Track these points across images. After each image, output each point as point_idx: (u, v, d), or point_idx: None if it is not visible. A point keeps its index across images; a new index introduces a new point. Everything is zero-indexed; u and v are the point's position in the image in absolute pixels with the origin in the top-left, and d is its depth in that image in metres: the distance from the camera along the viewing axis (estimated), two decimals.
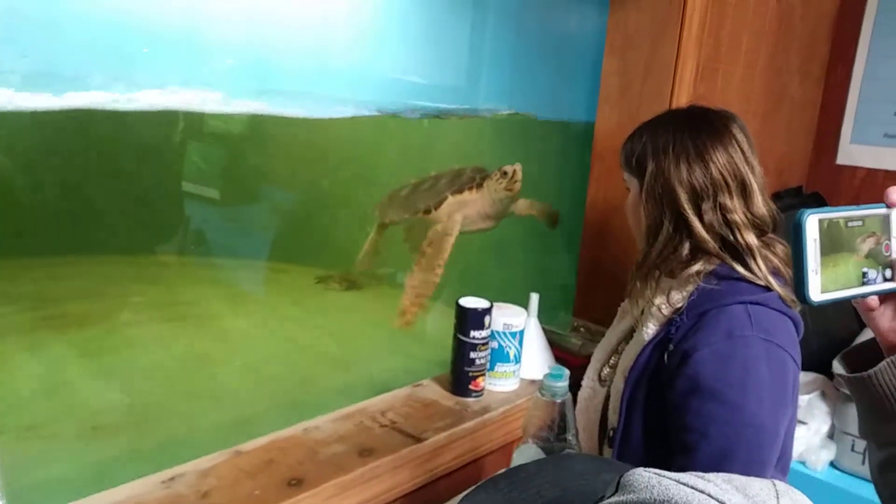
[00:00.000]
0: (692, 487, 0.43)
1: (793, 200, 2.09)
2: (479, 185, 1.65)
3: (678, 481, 0.44)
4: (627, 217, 1.22)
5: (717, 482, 0.44)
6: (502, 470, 0.71)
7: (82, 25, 1.48)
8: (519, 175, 1.59)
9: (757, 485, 0.45)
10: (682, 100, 1.60)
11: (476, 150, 1.92)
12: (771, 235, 1.10)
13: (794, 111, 2.12)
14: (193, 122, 2.32)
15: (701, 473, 0.46)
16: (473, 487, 0.68)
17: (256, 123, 2.25)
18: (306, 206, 2.41)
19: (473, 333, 1.39)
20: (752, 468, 0.97)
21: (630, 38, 1.66)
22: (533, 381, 1.50)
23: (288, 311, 2.06)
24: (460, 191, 1.66)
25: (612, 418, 1.15)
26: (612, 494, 0.46)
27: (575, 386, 1.19)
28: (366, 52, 1.94)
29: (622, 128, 1.70)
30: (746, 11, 1.75)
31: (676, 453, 1.00)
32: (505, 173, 1.61)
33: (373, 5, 1.92)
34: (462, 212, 1.65)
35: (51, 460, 1.28)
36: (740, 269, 1.05)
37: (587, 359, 1.35)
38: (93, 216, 2.24)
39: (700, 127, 1.09)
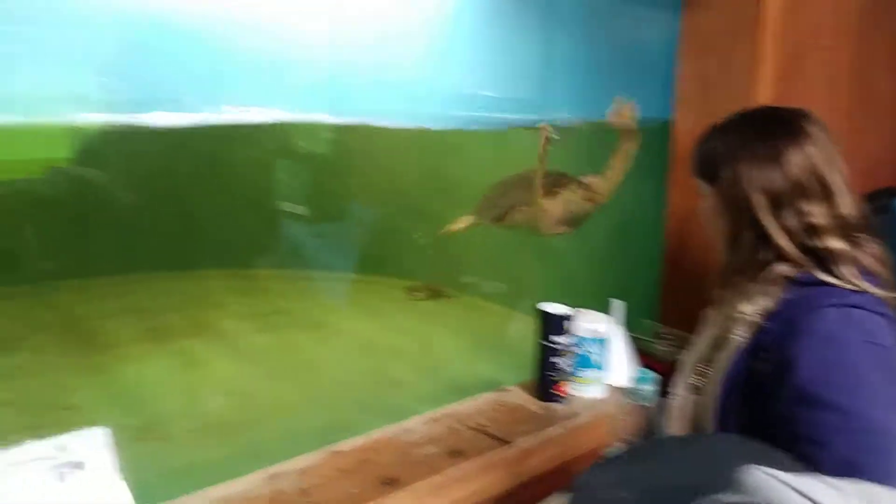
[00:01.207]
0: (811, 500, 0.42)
1: (885, 202, 2.00)
2: (558, 193, 1.68)
3: (799, 491, 0.43)
4: (704, 224, 1.19)
5: (844, 489, 0.43)
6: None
7: (189, 54, 1.60)
8: (598, 188, 1.60)
9: (887, 497, 0.44)
10: (761, 100, 1.58)
11: (553, 157, 1.95)
12: (862, 235, 1.06)
13: (884, 108, 2.04)
14: (283, 140, 2.45)
15: (828, 479, 0.44)
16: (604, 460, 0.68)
17: (343, 138, 2.35)
18: (392, 219, 2.49)
19: (555, 338, 1.41)
20: (881, 477, 0.92)
21: (705, 39, 1.65)
22: (619, 388, 1.51)
23: (378, 319, 2.14)
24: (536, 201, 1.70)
25: (706, 426, 1.13)
26: (728, 491, 0.46)
27: (663, 393, 1.19)
28: (440, 67, 2.00)
29: (701, 129, 1.69)
30: (826, 5, 1.70)
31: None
32: (582, 185, 1.63)
33: (445, 23, 1.98)
34: (544, 210, 1.69)
35: (163, 458, 1.38)
36: (823, 275, 1.01)
37: (674, 365, 1.34)
38: (194, 233, 2.40)
39: (772, 128, 1.06)
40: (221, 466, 1.37)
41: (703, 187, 1.15)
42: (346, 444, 1.24)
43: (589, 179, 1.64)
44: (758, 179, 1.03)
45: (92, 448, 1.04)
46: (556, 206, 1.70)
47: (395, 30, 1.96)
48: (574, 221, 1.72)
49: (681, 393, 1.27)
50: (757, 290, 1.05)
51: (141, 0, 1.55)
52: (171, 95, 1.64)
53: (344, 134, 2.22)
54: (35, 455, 0.99)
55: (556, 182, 1.73)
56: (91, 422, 1.05)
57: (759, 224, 1.04)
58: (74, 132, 2.18)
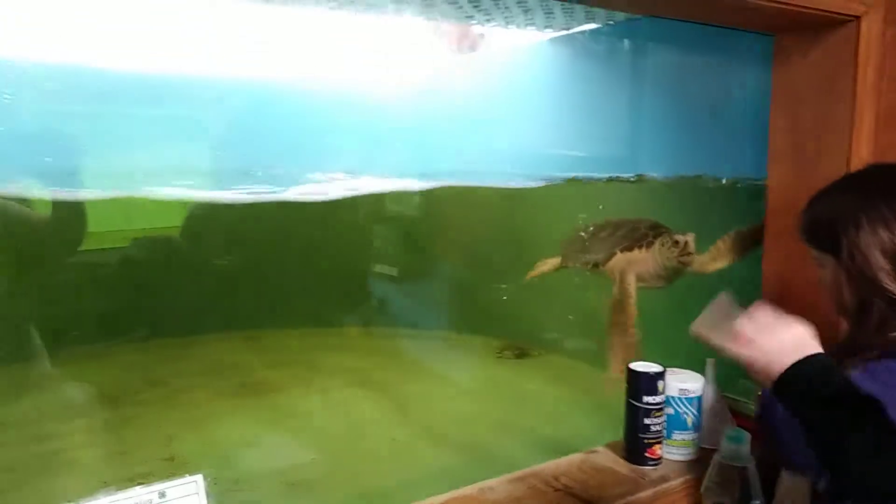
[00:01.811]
0: None
1: None
2: (650, 245, 1.62)
3: None
4: (824, 294, 1.12)
5: None
6: None
7: (285, 129, 1.71)
8: (692, 247, 1.54)
9: None
10: (862, 153, 1.52)
11: (645, 210, 1.93)
12: None
13: None
14: (372, 205, 2.54)
15: None
16: None
17: (429, 200, 2.42)
18: (477, 279, 2.52)
19: (646, 398, 1.37)
20: None
21: (798, 92, 1.61)
22: (714, 451, 1.43)
23: (463, 377, 2.15)
24: (630, 248, 1.64)
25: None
26: None
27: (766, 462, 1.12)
28: (528, 130, 2.04)
29: (798, 185, 1.63)
30: None
31: None
32: (676, 243, 1.56)
33: (532, 86, 2.03)
34: (632, 270, 1.63)
35: None
36: None
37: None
38: (286, 293, 2.51)
39: (889, 188, 1.00)
40: None
41: (821, 257, 1.08)
42: (429, 501, 1.23)
43: (685, 238, 1.57)
44: (883, 245, 0.96)
45: (188, 495, 1.08)
46: (649, 258, 1.64)
47: (482, 93, 2.03)
48: (666, 277, 1.66)
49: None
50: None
51: (243, 84, 1.68)
52: (268, 166, 1.76)
53: (429, 197, 2.29)
54: (139, 500, 1.04)
55: (652, 233, 1.68)
56: (188, 472, 1.09)
57: (890, 293, 0.96)
58: (180, 204, 2.36)
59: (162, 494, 1.07)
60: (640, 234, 1.64)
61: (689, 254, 1.55)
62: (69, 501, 0.95)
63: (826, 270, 1.08)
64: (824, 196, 1.08)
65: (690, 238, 1.54)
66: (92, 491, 0.97)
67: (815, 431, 0.89)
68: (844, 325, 1.11)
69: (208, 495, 1.06)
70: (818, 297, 1.27)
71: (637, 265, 1.62)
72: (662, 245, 1.58)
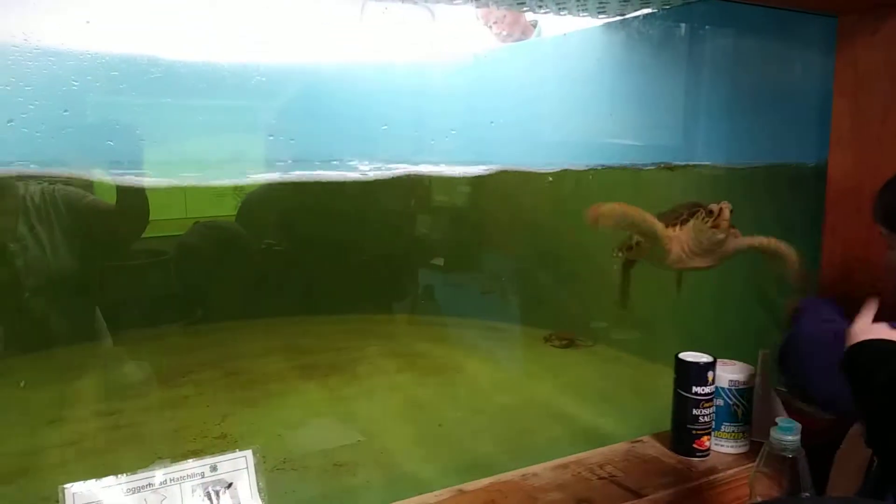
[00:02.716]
0: None
1: None
2: (684, 222, 1.55)
3: None
4: (891, 276, 1.13)
5: None
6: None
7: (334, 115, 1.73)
8: (726, 213, 1.44)
9: None
10: None
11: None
12: None
13: None
14: (421, 193, 2.56)
15: None
16: None
17: (476, 188, 2.42)
18: (524, 267, 2.51)
19: (696, 389, 1.34)
20: None
21: (862, 76, 1.55)
22: (762, 442, 1.40)
23: (508, 365, 2.15)
24: (665, 227, 1.56)
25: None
26: None
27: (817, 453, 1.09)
28: (579, 118, 2.02)
29: (860, 171, 1.57)
30: None
31: None
32: (711, 212, 1.47)
33: (585, 75, 2.01)
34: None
35: (299, 488, 1.45)
36: None
37: (827, 422, 1.23)
38: (337, 280, 2.55)
39: None
40: (351, 500, 1.42)
41: (891, 237, 1.10)
42: (472, 485, 1.24)
43: (719, 206, 1.47)
44: None
45: (238, 469, 1.12)
46: (684, 235, 1.54)
47: (531, 82, 2.01)
48: (709, 252, 1.55)
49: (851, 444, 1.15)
50: None
51: (296, 72, 1.71)
52: (325, 153, 1.78)
53: (477, 184, 2.30)
54: (192, 472, 1.08)
55: (687, 211, 1.57)
56: (239, 449, 1.12)
57: None
58: (235, 194, 2.42)
59: (213, 468, 1.11)
60: (676, 214, 1.58)
61: (724, 221, 1.45)
62: (126, 472, 0.99)
63: (894, 251, 1.08)
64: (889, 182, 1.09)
65: (725, 206, 1.44)
66: (146, 464, 1.02)
67: (871, 413, 0.89)
68: None
69: (258, 470, 1.09)
70: (879, 280, 1.24)
71: (674, 243, 1.55)
72: (697, 219, 1.49)
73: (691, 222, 1.51)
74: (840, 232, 1.63)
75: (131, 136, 1.69)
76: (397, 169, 1.92)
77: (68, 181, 2.09)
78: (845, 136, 1.61)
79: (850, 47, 1.57)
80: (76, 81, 1.41)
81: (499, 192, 2.38)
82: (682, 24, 1.96)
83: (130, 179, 1.83)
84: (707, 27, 1.94)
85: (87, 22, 1.33)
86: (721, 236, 1.46)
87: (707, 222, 1.46)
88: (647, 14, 1.93)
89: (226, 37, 1.56)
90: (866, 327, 0.99)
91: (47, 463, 1.59)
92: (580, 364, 2.18)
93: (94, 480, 0.96)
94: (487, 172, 2.01)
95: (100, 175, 1.80)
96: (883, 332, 0.97)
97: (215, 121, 1.73)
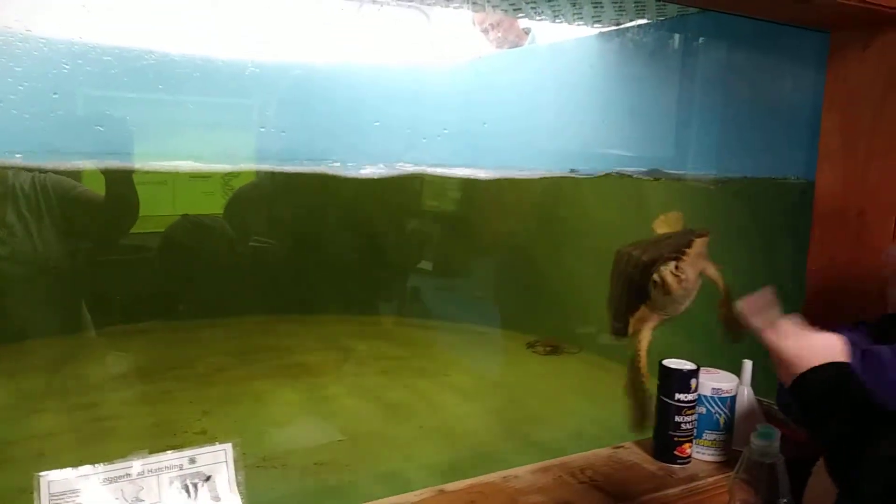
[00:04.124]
0: None
1: None
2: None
3: None
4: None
5: None
6: None
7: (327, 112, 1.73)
8: (669, 280, 1.19)
9: None
10: None
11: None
12: None
13: None
14: (412, 196, 2.56)
15: None
16: None
17: (467, 193, 2.42)
18: (511, 274, 2.51)
19: (678, 396, 1.34)
20: None
21: (852, 92, 1.56)
22: (742, 450, 1.40)
23: (492, 370, 2.15)
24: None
25: None
26: None
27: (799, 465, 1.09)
28: (571, 126, 2.02)
29: (848, 186, 1.58)
30: None
31: None
32: (656, 283, 1.22)
33: (577, 85, 2.02)
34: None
35: (279, 486, 1.44)
36: None
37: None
38: (324, 280, 2.54)
39: None
40: (332, 498, 1.41)
41: None
42: (453, 486, 1.23)
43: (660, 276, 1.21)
44: None
45: (217, 463, 1.11)
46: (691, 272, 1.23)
47: (526, 91, 2.01)
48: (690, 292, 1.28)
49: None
50: None
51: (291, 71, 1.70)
52: (313, 155, 1.78)
53: (468, 190, 2.30)
54: (171, 463, 1.07)
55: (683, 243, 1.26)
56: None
57: None
58: (224, 191, 2.41)
59: (192, 460, 1.10)
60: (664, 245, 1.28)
61: (674, 285, 1.20)
62: (103, 463, 0.98)
63: None
64: None
65: (665, 273, 1.19)
66: (125, 456, 1.01)
67: (826, 440, 0.91)
68: None
69: (237, 465, 1.08)
70: (863, 295, 1.25)
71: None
72: (653, 291, 1.24)
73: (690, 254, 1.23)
74: (827, 246, 1.64)
75: (122, 127, 1.68)
76: (386, 170, 1.92)
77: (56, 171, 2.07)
78: (834, 151, 1.62)
79: (841, 62, 1.59)
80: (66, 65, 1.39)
81: (488, 197, 2.38)
82: (677, 35, 1.98)
83: (118, 168, 1.81)
84: (701, 39, 1.96)
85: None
86: (682, 292, 1.23)
87: (660, 293, 1.23)
88: (641, 24, 1.94)
89: (203, 33, 1.55)
90: (804, 329, 1.00)
91: (24, 454, 1.57)
92: (563, 371, 2.18)
93: (70, 469, 0.95)
94: (473, 178, 2.01)
95: (89, 164, 1.79)
96: (822, 343, 0.97)
97: (207, 117, 1.72)
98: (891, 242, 1.46)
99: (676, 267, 1.19)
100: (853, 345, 1.04)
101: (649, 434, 1.38)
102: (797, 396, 0.96)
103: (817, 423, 0.93)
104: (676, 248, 1.22)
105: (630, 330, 1.28)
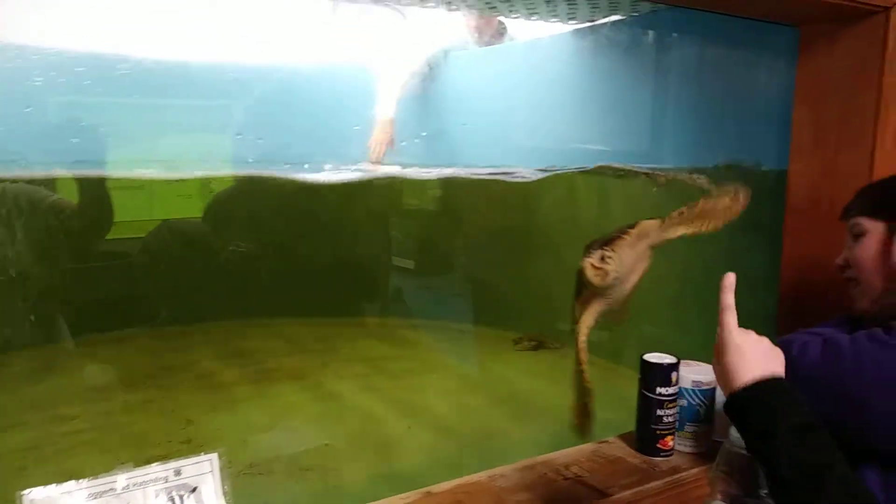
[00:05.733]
0: None
1: None
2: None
3: None
4: (861, 264, 1.20)
5: None
6: None
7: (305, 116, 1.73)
8: (589, 272, 1.14)
9: None
10: (887, 146, 1.50)
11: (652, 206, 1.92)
12: None
13: None
14: (392, 195, 2.55)
15: None
16: None
17: (447, 191, 2.42)
18: (496, 270, 2.52)
19: (660, 389, 1.36)
20: None
21: (822, 85, 1.59)
22: (724, 441, 1.42)
23: (478, 368, 2.16)
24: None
25: None
26: None
27: None
28: (547, 122, 2.03)
29: (819, 178, 1.61)
30: None
31: None
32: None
33: (554, 81, 2.03)
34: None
35: (267, 493, 1.44)
36: None
37: None
38: (304, 283, 2.53)
39: None
40: (318, 503, 1.41)
41: (870, 225, 1.17)
42: (439, 487, 1.24)
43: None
44: None
45: (203, 473, 1.10)
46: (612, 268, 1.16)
47: (502, 85, 2.02)
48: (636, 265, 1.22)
49: None
50: None
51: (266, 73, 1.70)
52: (289, 156, 1.77)
53: (447, 187, 2.30)
54: (156, 476, 1.06)
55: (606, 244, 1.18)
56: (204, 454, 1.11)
57: None
58: (202, 195, 2.39)
59: (177, 472, 1.09)
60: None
61: (595, 277, 1.14)
62: (87, 478, 0.97)
63: (870, 238, 1.17)
64: (881, 180, 1.23)
65: (586, 264, 1.14)
66: (109, 469, 1.00)
67: (763, 459, 0.88)
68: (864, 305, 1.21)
69: (223, 474, 1.08)
70: (837, 284, 1.28)
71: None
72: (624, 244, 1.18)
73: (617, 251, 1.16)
74: (800, 237, 1.67)
75: (94, 133, 1.66)
76: (364, 170, 1.91)
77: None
78: (805, 144, 1.65)
79: (811, 57, 1.61)
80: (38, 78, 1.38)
81: (468, 196, 2.39)
82: (650, 31, 2.00)
83: (91, 176, 1.79)
84: (674, 34, 1.97)
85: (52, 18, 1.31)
86: (610, 278, 1.16)
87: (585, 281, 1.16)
88: (615, 20, 1.96)
89: (182, 35, 1.54)
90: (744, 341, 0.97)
91: (6, 469, 1.55)
92: (548, 366, 2.19)
93: (53, 486, 0.94)
94: (452, 176, 2.02)
95: (61, 172, 1.77)
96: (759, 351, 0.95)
97: (181, 120, 1.71)
98: None
99: (602, 257, 1.14)
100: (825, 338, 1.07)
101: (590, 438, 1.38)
102: (738, 412, 0.92)
103: (763, 447, 0.86)
104: (614, 234, 1.17)
105: (577, 315, 1.24)
